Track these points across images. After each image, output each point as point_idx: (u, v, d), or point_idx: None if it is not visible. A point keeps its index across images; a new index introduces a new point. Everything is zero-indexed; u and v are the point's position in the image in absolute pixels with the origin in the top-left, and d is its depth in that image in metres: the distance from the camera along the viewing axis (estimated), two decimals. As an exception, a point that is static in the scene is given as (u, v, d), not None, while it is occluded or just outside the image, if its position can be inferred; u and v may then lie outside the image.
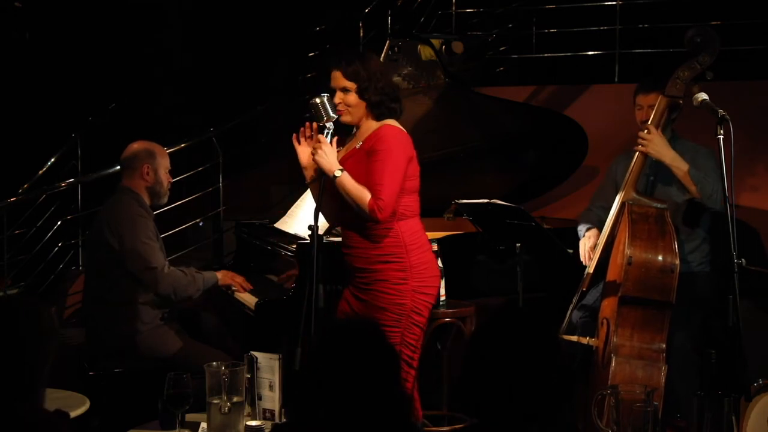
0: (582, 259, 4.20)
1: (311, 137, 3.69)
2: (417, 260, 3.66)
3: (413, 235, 3.68)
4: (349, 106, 3.64)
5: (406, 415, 2.36)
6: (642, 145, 3.99)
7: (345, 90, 3.63)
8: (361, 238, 3.65)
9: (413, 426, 2.40)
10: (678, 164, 3.97)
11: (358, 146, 3.66)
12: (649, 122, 4.02)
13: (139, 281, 4.24)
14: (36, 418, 2.27)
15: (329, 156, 3.57)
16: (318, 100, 3.56)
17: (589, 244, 4.20)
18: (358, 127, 3.72)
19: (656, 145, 3.96)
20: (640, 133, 4.01)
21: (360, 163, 3.61)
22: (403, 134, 3.66)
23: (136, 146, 4.41)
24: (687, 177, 3.96)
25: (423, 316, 3.67)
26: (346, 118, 3.65)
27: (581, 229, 4.33)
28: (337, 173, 3.55)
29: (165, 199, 4.47)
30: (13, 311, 2.33)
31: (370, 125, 3.68)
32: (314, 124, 3.67)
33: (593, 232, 4.24)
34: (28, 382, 2.28)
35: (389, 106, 3.67)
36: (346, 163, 3.63)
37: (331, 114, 3.56)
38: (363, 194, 3.54)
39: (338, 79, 3.63)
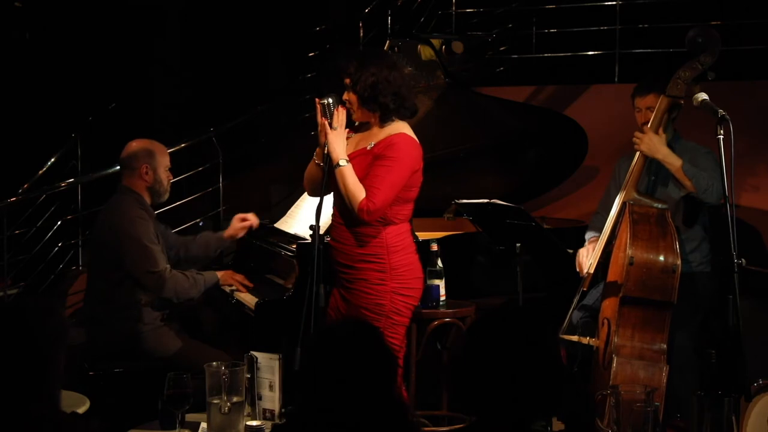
0: (578, 268, 4.19)
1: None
2: (398, 262, 3.67)
3: (397, 238, 3.69)
4: (351, 102, 3.66)
5: (405, 414, 2.36)
6: (636, 144, 4.01)
7: (346, 86, 3.66)
8: (349, 235, 3.68)
9: (412, 425, 2.40)
10: (671, 160, 3.98)
11: (369, 147, 3.66)
12: (650, 122, 4.02)
13: (140, 284, 4.24)
14: (53, 419, 2.28)
15: (341, 142, 3.60)
16: (324, 101, 3.57)
17: (583, 253, 4.21)
18: (367, 128, 3.73)
19: (648, 142, 3.98)
20: (636, 132, 4.04)
21: (365, 164, 3.63)
22: (415, 146, 3.68)
23: (134, 146, 4.39)
24: (680, 172, 3.97)
25: (404, 316, 3.70)
26: (354, 116, 3.69)
27: (586, 237, 4.34)
28: (342, 162, 3.57)
29: (165, 197, 4.47)
30: (25, 313, 2.34)
31: (381, 128, 3.70)
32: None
33: (593, 241, 4.25)
34: (43, 383, 2.29)
35: (380, 101, 3.63)
36: (353, 160, 3.64)
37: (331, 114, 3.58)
38: (358, 192, 3.56)
39: (343, 75, 3.67)
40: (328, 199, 3.77)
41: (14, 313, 2.36)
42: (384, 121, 3.68)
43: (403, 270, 3.68)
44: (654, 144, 3.98)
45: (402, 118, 3.70)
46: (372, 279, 3.65)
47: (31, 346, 2.28)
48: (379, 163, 3.59)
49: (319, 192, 3.70)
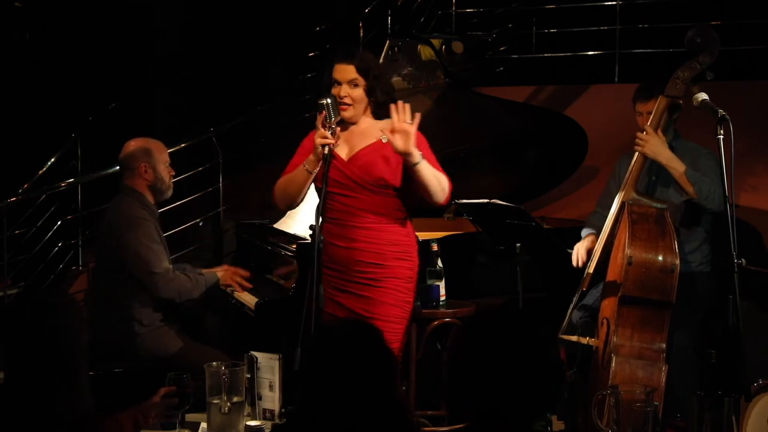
0: (573, 262, 4.19)
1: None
2: (416, 258, 3.75)
3: (413, 233, 3.77)
4: (354, 101, 3.64)
5: (405, 414, 2.36)
6: (639, 145, 4.00)
7: (353, 83, 3.64)
8: (375, 233, 3.65)
9: (412, 425, 2.40)
10: (674, 165, 3.98)
11: (384, 140, 3.62)
12: (649, 123, 4.02)
13: (142, 285, 4.24)
14: (81, 409, 2.33)
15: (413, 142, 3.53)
16: (323, 101, 3.56)
17: (582, 247, 4.21)
18: (348, 126, 3.71)
19: (652, 145, 3.97)
20: (638, 134, 4.03)
21: (392, 155, 3.60)
22: None
23: (131, 146, 4.39)
24: (683, 177, 3.97)
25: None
26: (347, 114, 3.65)
27: (582, 234, 4.34)
28: (419, 159, 3.52)
29: (169, 193, 4.45)
30: (46, 308, 2.40)
31: (378, 122, 3.70)
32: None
33: (590, 237, 4.25)
34: (69, 374, 2.34)
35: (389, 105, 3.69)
36: (369, 154, 3.63)
37: (336, 115, 3.58)
38: (442, 177, 3.60)
39: (349, 72, 3.63)
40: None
41: (36, 308, 2.41)
42: (378, 119, 3.71)
43: (417, 268, 3.76)
44: (658, 147, 3.97)
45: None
46: (404, 276, 3.68)
47: (55, 338, 2.33)
48: (424, 153, 3.59)
49: (296, 203, 3.76)
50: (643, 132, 4.02)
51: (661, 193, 4.14)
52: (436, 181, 3.57)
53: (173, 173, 4.45)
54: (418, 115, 3.50)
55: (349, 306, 3.67)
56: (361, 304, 3.65)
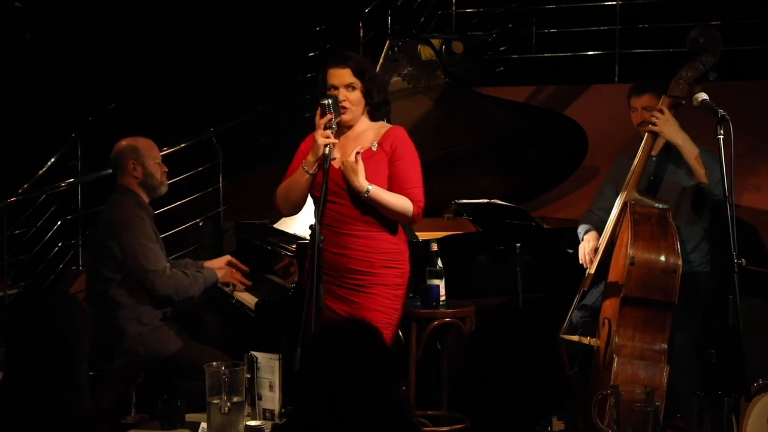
0: (582, 262, 4.20)
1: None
2: (408, 268, 3.73)
3: (404, 239, 3.76)
4: (352, 104, 3.63)
5: (405, 414, 2.36)
6: (654, 124, 3.97)
7: (350, 87, 3.62)
8: (364, 241, 3.65)
9: (412, 425, 2.40)
10: (689, 146, 3.98)
11: (374, 148, 3.64)
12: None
13: (140, 283, 4.24)
14: (79, 405, 2.35)
15: (361, 174, 3.56)
16: (327, 101, 3.55)
17: (588, 247, 4.20)
18: (344, 131, 3.69)
19: (670, 125, 3.96)
20: (654, 112, 4.00)
21: (380, 164, 3.62)
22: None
23: (121, 144, 4.41)
24: (699, 160, 3.96)
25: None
26: (346, 117, 3.64)
27: (580, 231, 4.33)
28: (370, 187, 3.55)
29: (163, 190, 4.45)
30: (49, 307, 2.41)
31: (372, 126, 3.70)
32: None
33: (592, 234, 4.24)
34: (69, 371, 2.35)
35: (386, 108, 3.73)
36: (364, 164, 3.60)
37: (338, 115, 3.58)
38: (403, 201, 3.59)
39: (345, 75, 3.62)
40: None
41: (36, 308, 2.42)
42: (374, 121, 3.71)
43: (407, 275, 3.74)
44: (675, 126, 3.96)
45: (388, 120, 3.77)
46: (392, 284, 3.68)
47: (55, 338, 2.34)
48: (400, 163, 3.62)
49: (300, 207, 3.76)
50: (641, 132, 4.02)
51: (666, 183, 4.12)
52: (392, 208, 3.58)
53: (166, 170, 4.45)
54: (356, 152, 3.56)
55: (337, 310, 3.67)
56: (348, 308, 3.66)
